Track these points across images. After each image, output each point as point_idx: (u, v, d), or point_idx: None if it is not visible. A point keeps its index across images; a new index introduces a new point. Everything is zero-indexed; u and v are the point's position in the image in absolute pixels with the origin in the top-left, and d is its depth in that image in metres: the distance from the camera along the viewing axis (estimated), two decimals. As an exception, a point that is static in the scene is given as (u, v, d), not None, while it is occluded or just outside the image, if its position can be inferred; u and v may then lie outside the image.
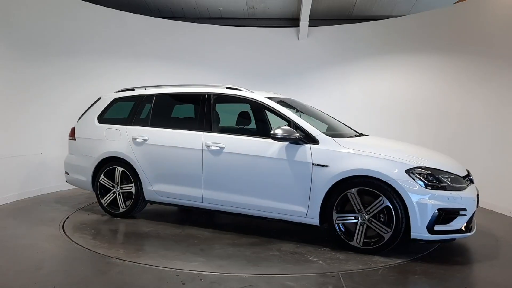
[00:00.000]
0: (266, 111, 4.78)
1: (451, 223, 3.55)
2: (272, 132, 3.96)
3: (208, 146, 4.32)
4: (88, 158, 5.00)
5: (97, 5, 7.49)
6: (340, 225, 3.80)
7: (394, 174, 3.57)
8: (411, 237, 3.53)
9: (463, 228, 3.61)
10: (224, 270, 3.29)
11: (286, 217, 4.05)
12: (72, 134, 5.25)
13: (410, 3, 8.45)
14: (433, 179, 3.58)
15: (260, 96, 4.44)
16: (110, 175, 4.88)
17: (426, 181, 3.55)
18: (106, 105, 5.17)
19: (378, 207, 3.62)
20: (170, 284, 3.00)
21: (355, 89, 8.19)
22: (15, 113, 5.99)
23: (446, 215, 3.52)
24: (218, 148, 4.27)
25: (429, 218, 3.47)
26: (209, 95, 4.59)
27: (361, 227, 3.69)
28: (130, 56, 7.78)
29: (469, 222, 3.68)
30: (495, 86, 5.99)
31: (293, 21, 9.06)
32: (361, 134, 4.72)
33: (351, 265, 3.44)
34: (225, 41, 8.54)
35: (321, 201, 3.83)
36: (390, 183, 3.56)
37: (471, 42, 6.52)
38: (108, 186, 4.90)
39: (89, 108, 5.32)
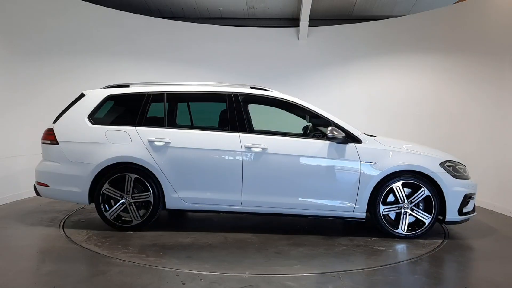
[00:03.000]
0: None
1: (468, 206, 4.29)
2: (329, 133, 4.19)
3: (248, 148, 4.22)
4: (84, 166, 4.27)
5: (97, 5, 7.49)
6: (386, 215, 4.23)
7: (433, 167, 4.19)
8: (446, 220, 4.18)
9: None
10: (323, 270, 3.33)
11: (332, 213, 4.27)
12: (51, 137, 4.40)
13: (410, 3, 8.44)
14: (456, 170, 4.30)
15: (293, 97, 4.50)
16: (116, 184, 4.29)
17: (454, 172, 4.25)
18: (97, 103, 4.48)
19: (420, 197, 4.19)
20: (170, 284, 3.00)
21: (355, 89, 8.19)
22: (15, 113, 5.99)
23: (467, 199, 4.25)
24: (261, 149, 4.21)
25: (460, 203, 4.19)
26: (235, 95, 4.44)
27: (404, 216, 4.19)
28: (130, 56, 7.78)
29: (474, 204, 4.46)
30: (495, 86, 5.99)
31: (293, 21, 9.06)
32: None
33: (419, 250, 3.85)
34: (225, 41, 8.54)
35: (369, 196, 4.18)
36: (430, 175, 4.16)
37: (471, 42, 6.52)
38: (115, 197, 4.29)
39: (70, 106, 4.57)
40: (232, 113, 4.37)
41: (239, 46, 8.57)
